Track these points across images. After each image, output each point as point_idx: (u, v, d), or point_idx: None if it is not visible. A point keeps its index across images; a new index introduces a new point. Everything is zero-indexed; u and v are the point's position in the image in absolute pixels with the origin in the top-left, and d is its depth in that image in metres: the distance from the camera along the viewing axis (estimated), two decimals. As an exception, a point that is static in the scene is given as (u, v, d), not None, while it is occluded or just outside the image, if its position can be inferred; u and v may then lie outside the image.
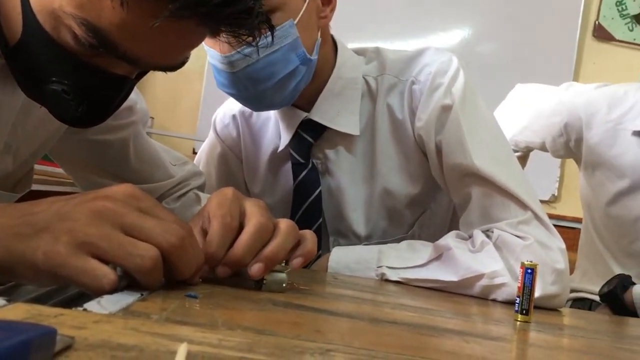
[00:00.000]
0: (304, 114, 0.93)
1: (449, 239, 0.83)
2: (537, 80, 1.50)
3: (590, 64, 3.14)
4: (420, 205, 0.97)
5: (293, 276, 0.69)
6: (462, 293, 0.79)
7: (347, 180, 0.95)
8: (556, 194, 3.07)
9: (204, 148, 1.11)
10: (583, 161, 1.19)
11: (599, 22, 3.15)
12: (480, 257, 0.78)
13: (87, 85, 0.57)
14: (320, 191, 0.94)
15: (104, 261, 0.43)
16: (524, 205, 0.82)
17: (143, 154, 0.92)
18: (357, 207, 0.95)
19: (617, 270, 1.11)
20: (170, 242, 0.45)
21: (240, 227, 0.56)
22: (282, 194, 1.01)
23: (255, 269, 0.55)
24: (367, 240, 0.96)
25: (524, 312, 0.61)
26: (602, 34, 3.12)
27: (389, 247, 0.86)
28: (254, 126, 1.04)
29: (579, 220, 1.21)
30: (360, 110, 0.93)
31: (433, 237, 0.90)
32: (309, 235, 0.61)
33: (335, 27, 0.94)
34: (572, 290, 1.13)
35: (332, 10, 0.90)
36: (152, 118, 3.22)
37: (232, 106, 1.05)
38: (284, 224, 0.58)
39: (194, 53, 0.61)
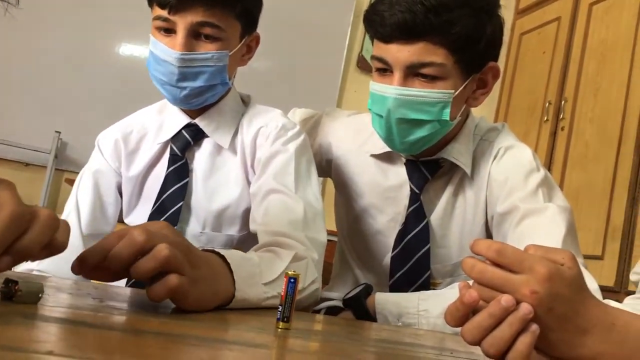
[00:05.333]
0: (190, 119, 1.12)
1: None
2: (305, 101, 1.60)
3: (352, 91, 3.45)
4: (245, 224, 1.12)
5: (47, 287, 0.64)
6: None
7: (201, 181, 1.13)
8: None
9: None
10: (333, 180, 1.30)
11: (362, 55, 3.48)
12: None
13: None
14: (187, 182, 1.11)
15: None
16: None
17: None
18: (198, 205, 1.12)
19: (362, 280, 1.23)
20: None
21: None
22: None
23: (3, 262, 0.49)
24: (199, 235, 1.12)
25: (285, 319, 0.64)
26: (364, 66, 3.45)
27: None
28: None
29: (335, 234, 1.32)
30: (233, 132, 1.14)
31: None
32: (63, 225, 0.55)
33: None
34: (327, 299, 1.22)
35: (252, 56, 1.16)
36: None
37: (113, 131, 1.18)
38: (44, 214, 0.52)
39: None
